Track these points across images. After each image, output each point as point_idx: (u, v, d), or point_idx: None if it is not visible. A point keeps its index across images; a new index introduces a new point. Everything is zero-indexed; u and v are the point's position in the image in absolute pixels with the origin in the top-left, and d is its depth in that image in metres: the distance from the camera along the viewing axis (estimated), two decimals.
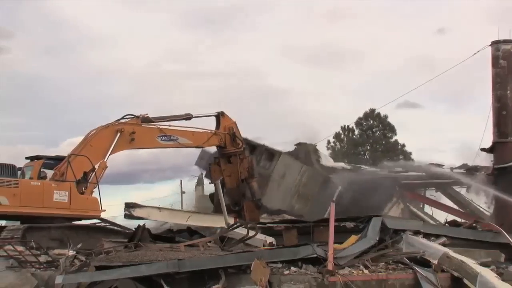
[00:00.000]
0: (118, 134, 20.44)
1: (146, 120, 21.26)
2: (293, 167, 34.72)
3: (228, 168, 22.69)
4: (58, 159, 20.20)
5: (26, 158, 20.52)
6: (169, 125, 21.71)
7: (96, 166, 20.07)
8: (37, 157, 20.16)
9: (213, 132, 22.47)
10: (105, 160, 20.22)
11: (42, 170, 19.75)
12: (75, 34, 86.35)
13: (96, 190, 20.12)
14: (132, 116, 21.19)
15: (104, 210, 20.39)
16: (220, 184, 22.48)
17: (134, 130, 20.81)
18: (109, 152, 20.30)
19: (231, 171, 22.66)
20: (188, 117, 22.15)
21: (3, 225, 19.83)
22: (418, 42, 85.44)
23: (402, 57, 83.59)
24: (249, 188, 22.76)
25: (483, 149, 35.61)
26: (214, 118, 22.86)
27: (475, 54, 36.42)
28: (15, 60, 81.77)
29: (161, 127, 21.45)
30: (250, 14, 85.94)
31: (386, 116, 61.54)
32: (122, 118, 21.08)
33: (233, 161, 22.72)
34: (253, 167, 22.85)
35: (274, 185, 33.34)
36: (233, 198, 22.47)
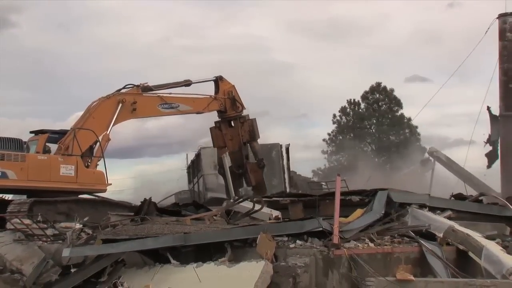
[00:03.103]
0: (120, 104, 20.53)
1: (146, 89, 21.29)
2: None
3: (229, 132, 22.79)
4: (63, 133, 20.20)
5: (31, 132, 20.52)
6: (169, 93, 21.75)
7: (100, 139, 20.11)
8: (42, 131, 20.14)
9: (213, 97, 22.49)
10: (107, 132, 20.26)
11: (46, 144, 19.77)
12: (84, 9, 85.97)
13: (101, 163, 20.19)
14: (132, 86, 21.20)
15: (110, 184, 20.46)
16: (226, 158, 22.55)
17: (135, 100, 20.87)
18: (112, 123, 20.33)
19: (233, 135, 22.77)
20: (187, 83, 22.19)
21: (9, 198, 19.90)
22: (427, 16, 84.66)
23: (410, 31, 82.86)
24: (251, 148, 22.87)
25: (488, 108, 35.35)
26: (213, 83, 22.82)
27: (486, 32, 35.98)
28: (24, 35, 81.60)
29: (161, 95, 21.49)
30: None
31: (392, 90, 61.41)
32: (123, 88, 21.10)
33: (234, 124, 22.82)
34: (254, 129, 22.85)
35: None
36: (236, 161, 22.60)
